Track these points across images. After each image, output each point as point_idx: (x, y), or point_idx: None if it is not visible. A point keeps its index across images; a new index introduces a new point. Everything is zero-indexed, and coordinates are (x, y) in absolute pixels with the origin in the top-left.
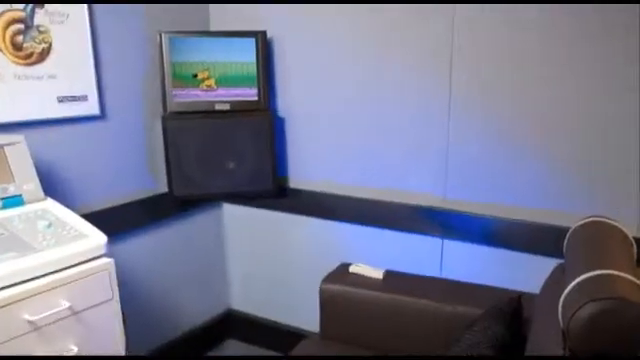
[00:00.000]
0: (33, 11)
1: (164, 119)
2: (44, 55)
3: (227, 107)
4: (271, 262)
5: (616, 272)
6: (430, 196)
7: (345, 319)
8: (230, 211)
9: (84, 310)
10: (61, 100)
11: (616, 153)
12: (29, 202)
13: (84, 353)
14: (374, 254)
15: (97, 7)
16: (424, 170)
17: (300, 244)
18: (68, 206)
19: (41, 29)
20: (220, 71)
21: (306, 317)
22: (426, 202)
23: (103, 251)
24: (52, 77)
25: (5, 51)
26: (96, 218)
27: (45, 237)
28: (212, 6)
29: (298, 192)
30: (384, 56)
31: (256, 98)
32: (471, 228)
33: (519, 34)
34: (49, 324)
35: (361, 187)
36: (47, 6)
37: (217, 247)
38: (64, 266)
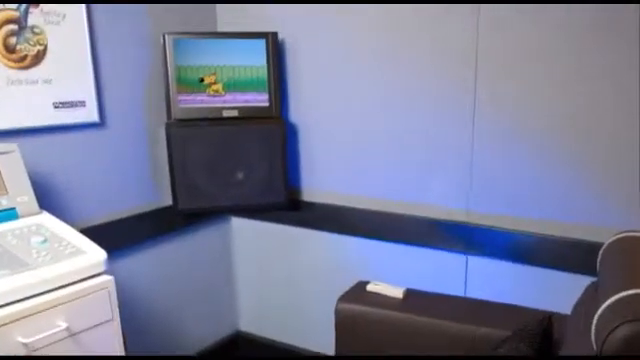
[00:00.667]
0: (27, 11)
1: (168, 126)
2: (39, 58)
3: (235, 113)
4: (283, 280)
5: None
6: (453, 209)
7: (362, 341)
8: (239, 225)
9: (82, 331)
10: (57, 106)
11: None
12: (23, 216)
13: None
14: (393, 271)
15: (96, 7)
16: (446, 181)
17: (314, 260)
18: (65, 220)
19: (36, 30)
20: (228, 75)
21: (320, 339)
22: (449, 216)
23: (102, 268)
24: (47, 81)
25: None
26: (95, 233)
27: (40, 253)
28: (219, 6)
29: (311, 205)
30: (404, 59)
31: (267, 104)
32: (497, 244)
33: (549, 35)
34: (44, 346)
35: (379, 200)
36: (42, 6)
37: (225, 264)
38: (61, 284)
